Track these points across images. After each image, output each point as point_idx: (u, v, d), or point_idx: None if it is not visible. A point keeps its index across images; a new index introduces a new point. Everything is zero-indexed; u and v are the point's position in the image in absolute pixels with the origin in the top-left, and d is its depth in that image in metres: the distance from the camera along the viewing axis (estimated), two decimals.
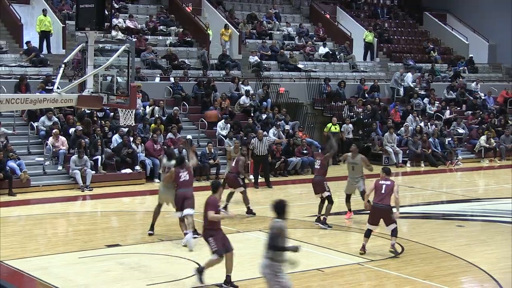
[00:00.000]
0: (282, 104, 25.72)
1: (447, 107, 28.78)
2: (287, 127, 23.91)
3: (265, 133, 22.01)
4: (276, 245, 8.68)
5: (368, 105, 26.75)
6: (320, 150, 20.19)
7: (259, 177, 20.26)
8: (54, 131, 19.66)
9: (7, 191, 17.94)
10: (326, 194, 14.86)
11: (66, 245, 13.12)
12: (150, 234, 13.66)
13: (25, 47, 23.75)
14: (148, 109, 22.69)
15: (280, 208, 9.03)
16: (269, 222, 9.14)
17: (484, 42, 34.60)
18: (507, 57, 33.53)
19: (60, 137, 19.75)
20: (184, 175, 12.91)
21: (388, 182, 12.81)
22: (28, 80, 21.45)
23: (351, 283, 11.31)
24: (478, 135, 27.23)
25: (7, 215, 16.09)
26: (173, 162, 13.44)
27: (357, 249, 13.19)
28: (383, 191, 12.66)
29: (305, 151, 22.77)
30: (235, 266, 10.79)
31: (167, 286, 10.74)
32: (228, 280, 10.67)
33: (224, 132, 22.75)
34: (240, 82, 25.52)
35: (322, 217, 14.86)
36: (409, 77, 29.24)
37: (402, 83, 28.73)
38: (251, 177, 19.59)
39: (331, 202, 14.88)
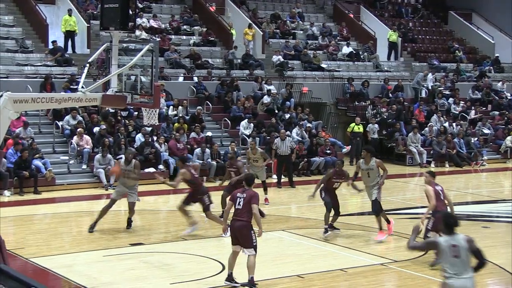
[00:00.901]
0: (305, 104, 25.68)
1: (472, 107, 28.52)
2: (309, 125, 23.83)
3: (288, 132, 21.99)
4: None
5: (393, 105, 26.60)
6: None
7: (282, 176, 20.23)
8: (78, 130, 19.83)
9: (32, 189, 18.14)
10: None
11: (91, 243, 13.22)
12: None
13: (51, 46, 23.97)
14: (171, 109, 22.77)
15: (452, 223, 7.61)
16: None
17: (510, 41, 34.18)
18: None
19: (85, 136, 19.91)
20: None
21: (441, 187, 12.23)
22: (53, 79, 21.65)
23: (374, 284, 11.25)
24: (504, 136, 26.94)
25: (33, 213, 16.29)
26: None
27: (380, 250, 13.13)
28: (442, 197, 12.04)
29: (328, 151, 22.70)
30: (258, 265, 10.78)
31: (190, 285, 10.77)
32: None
33: (247, 132, 22.77)
34: (263, 82, 25.51)
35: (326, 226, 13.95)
36: (429, 78, 29.03)
37: (424, 84, 28.52)
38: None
39: (337, 213, 14.20)
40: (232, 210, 10.62)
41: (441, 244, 7.47)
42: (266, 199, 16.94)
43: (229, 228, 10.73)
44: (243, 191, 10.57)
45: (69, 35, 24.67)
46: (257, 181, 12.91)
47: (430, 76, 29.14)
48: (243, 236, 10.40)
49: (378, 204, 13.68)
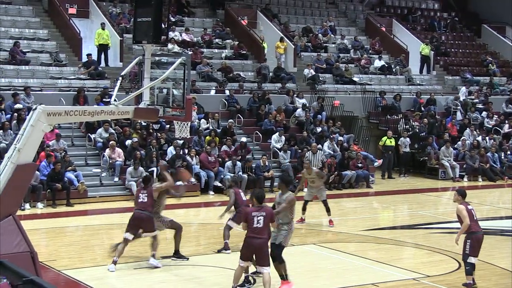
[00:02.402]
0: (337, 117, 25.59)
1: (506, 121, 28.15)
2: (340, 138, 23.72)
3: (319, 146, 21.89)
4: None
5: (425, 119, 26.38)
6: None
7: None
8: (111, 142, 19.99)
9: (65, 201, 18.32)
10: None
11: (122, 256, 13.22)
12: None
13: (84, 59, 24.29)
14: (203, 122, 22.86)
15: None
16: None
17: None
18: None
19: (117, 148, 20.08)
20: (143, 197, 12.33)
21: (472, 206, 11.83)
22: (86, 92, 21.90)
23: None
24: None
25: (65, 225, 16.43)
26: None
27: (412, 265, 12.97)
28: (475, 217, 11.69)
29: (359, 165, 22.57)
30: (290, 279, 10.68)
31: None
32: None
33: (279, 145, 22.75)
34: (295, 95, 25.50)
35: None
36: (462, 91, 28.69)
37: (458, 107, 28.17)
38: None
39: None
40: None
41: None
42: (330, 221, 16.15)
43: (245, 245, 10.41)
44: (258, 209, 10.34)
45: (102, 48, 24.99)
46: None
47: (463, 89, 28.81)
48: (263, 254, 10.33)
49: (280, 250, 11.00)
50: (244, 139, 22.07)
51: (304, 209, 16.20)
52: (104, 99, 20.80)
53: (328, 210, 16.15)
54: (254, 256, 10.44)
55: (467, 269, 11.30)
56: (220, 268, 12.37)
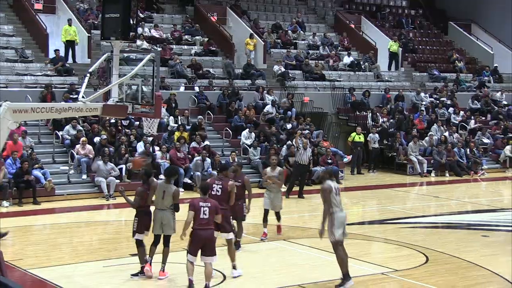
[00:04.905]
0: (307, 114, 25.69)
1: (472, 117, 28.53)
2: (315, 134, 23.85)
3: (288, 142, 21.94)
4: None
5: (396, 115, 26.59)
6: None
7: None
8: (82, 139, 19.79)
9: (31, 200, 18.05)
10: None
11: (91, 254, 13.17)
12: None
13: (51, 56, 24.00)
14: (172, 119, 22.76)
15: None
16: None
17: (509, 52, 34.26)
18: None
19: (87, 145, 19.88)
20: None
21: None
22: (53, 89, 21.64)
23: None
24: (503, 145, 26.95)
25: (32, 224, 16.24)
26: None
27: (380, 259, 13.09)
28: None
29: (329, 161, 22.68)
30: (260, 275, 10.72)
31: None
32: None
33: (249, 142, 22.76)
34: (265, 92, 25.54)
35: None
36: (421, 97, 28.84)
37: (423, 103, 28.41)
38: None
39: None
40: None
41: None
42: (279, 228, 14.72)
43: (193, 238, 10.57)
44: (204, 200, 10.61)
45: (70, 45, 24.71)
46: None
47: (422, 95, 29.00)
48: (211, 245, 10.56)
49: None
50: (207, 142, 21.79)
51: (265, 220, 14.32)
52: (71, 96, 20.57)
53: (278, 218, 14.63)
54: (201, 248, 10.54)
55: None
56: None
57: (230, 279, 11.45)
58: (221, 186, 11.64)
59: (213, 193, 11.48)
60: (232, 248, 11.64)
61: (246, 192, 12.94)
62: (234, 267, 11.59)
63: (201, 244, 10.52)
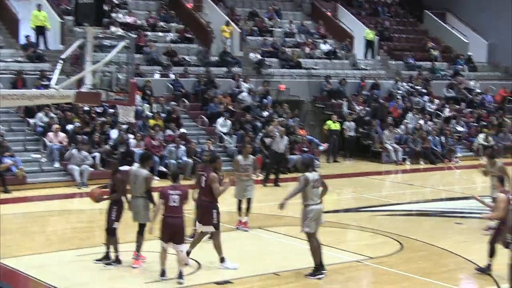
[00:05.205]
0: (283, 102, 25.63)
1: (447, 105, 28.71)
2: (291, 122, 23.80)
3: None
4: None
5: (371, 103, 26.64)
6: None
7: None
8: (55, 127, 19.53)
9: (2, 188, 17.65)
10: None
11: (64, 243, 13.03)
12: None
13: (23, 41, 23.62)
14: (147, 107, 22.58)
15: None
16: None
17: (483, 41, 34.49)
18: (506, 56, 33.40)
19: (60, 133, 19.64)
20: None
21: None
22: (24, 75, 21.31)
23: (350, 280, 11.26)
24: (477, 133, 27.18)
25: (3, 213, 15.89)
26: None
27: (356, 247, 13.13)
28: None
29: (305, 149, 22.67)
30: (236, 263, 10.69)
31: (165, 284, 10.65)
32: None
33: (225, 130, 22.66)
34: (241, 80, 25.42)
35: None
36: (399, 86, 28.95)
37: (399, 92, 28.48)
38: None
39: None
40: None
41: None
42: (245, 223, 14.29)
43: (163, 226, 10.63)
44: (174, 187, 10.67)
45: (40, 30, 24.26)
46: None
47: (399, 84, 29.06)
48: (180, 233, 10.64)
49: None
50: (183, 130, 21.67)
51: (240, 208, 14.16)
52: (42, 83, 20.26)
53: (248, 209, 14.26)
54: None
55: None
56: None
57: (207, 269, 11.39)
58: (205, 178, 11.52)
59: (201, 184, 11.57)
60: (216, 242, 11.49)
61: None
62: (221, 260, 11.45)
63: (171, 231, 10.58)
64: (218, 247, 11.47)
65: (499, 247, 11.10)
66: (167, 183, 18.91)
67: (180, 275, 10.62)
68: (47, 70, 21.65)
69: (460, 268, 12.03)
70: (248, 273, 11.27)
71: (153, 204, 11.24)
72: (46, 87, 16.41)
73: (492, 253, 11.33)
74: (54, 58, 21.93)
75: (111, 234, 11.40)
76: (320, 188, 11.21)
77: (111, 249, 11.48)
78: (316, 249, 11.08)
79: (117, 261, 11.44)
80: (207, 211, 11.40)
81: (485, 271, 11.43)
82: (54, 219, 15.55)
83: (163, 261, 10.72)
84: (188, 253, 11.43)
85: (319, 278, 11.01)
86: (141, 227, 11.38)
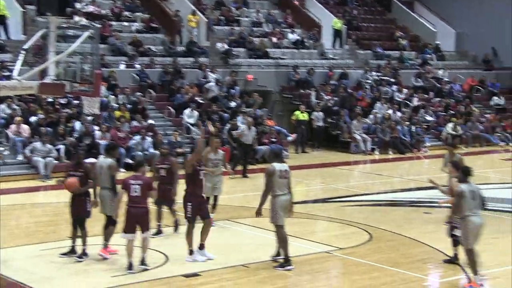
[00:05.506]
0: (251, 92, 25.50)
1: (415, 95, 28.84)
2: (259, 112, 23.68)
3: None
4: None
5: (340, 92, 26.62)
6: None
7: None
8: (18, 119, 19.15)
9: None
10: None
11: (28, 237, 12.77)
12: None
13: None
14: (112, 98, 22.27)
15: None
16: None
17: (451, 30, 34.75)
18: (473, 45, 33.73)
19: (22, 125, 19.27)
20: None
21: None
22: None
23: (319, 271, 11.19)
24: (445, 123, 27.36)
25: None
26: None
27: (325, 238, 13.08)
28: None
29: (273, 139, 22.58)
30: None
31: (131, 278, 10.48)
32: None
33: (192, 120, 22.45)
34: (208, 70, 25.20)
35: None
36: (368, 76, 28.99)
37: (368, 81, 28.52)
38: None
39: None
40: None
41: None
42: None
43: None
44: (135, 177, 10.65)
45: (0, 20, 23.75)
46: None
47: (367, 73, 29.10)
48: (144, 221, 10.64)
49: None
50: (151, 121, 21.40)
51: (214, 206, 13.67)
52: (3, 74, 19.83)
53: (215, 206, 13.79)
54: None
55: None
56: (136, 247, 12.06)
57: (174, 261, 11.25)
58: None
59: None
60: (188, 234, 11.32)
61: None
62: (190, 253, 11.30)
63: (135, 221, 10.57)
64: (189, 240, 11.32)
65: None
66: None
67: (143, 262, 10.63)
68: (8, 60, 21.18)
69: (428, 258, 12.06)
70: (217, 265, 11.16)
71: (115, 194, 11.10)
72: (8, 78, 16.13)
73: (455, 243, 11.36)
74: (16, 48, 21.47)
75: (81, 226, 11.18)
76: (288, 179, 11.09)
77: (78, 242, 11.26)
78: (283, 241, 11.00)
79: (84, 254, 11.23)
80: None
81: (453, 261, 11.46)
82: (17, 213, 15.22)
83: (129, 254, 10.60)
84: (190, 252, 11.30)
85: (288, 270, 10.94)
86: (109, 218, 11.21)
